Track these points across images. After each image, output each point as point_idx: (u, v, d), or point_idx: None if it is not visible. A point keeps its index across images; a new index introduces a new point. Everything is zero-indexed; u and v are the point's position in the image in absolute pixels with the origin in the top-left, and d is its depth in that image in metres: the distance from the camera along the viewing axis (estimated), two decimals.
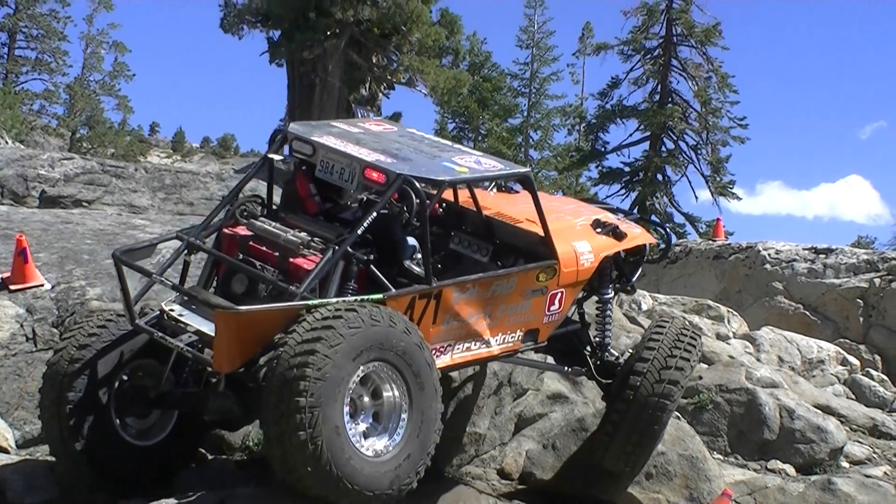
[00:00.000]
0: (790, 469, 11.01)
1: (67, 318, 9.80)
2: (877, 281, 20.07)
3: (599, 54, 54.13)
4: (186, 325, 7.05)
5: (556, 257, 8.33)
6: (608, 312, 9.23)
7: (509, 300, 8.17)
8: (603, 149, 51.82)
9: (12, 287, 10.11)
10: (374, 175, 7.30)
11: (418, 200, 7.32)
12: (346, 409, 6.55)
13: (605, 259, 8.90)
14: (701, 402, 11.17)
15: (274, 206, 8.11)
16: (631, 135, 51.83)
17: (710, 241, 23.98)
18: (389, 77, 45.02)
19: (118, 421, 7.49)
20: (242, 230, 7.66)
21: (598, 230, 9.03)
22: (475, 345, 8.07)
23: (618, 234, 9.03)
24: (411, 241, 7.61)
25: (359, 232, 7.13)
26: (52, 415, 7.36)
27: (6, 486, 7.71)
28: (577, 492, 9.05)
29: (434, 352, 7.54)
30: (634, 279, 9.44)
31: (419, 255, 7.62)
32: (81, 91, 61.55)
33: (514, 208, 8.82)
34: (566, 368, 9.38)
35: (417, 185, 7.29)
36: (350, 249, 7.14)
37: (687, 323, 9.13)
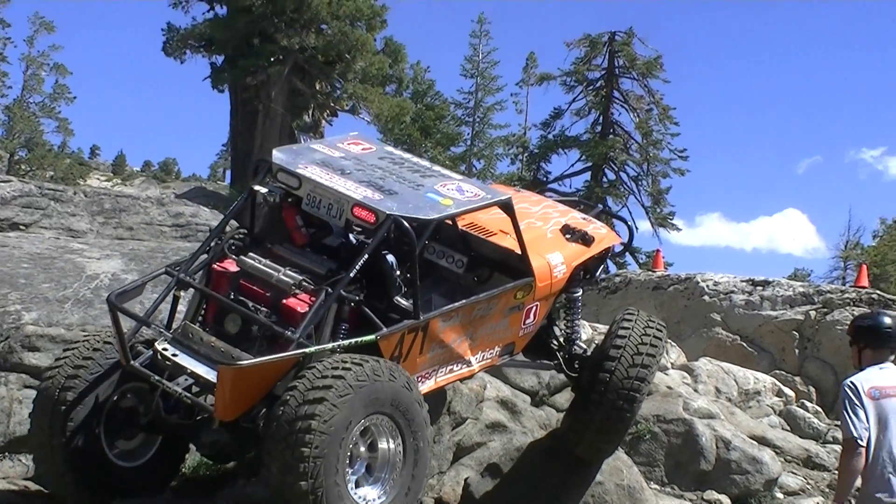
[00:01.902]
0: (726, 500, 11.07)
1: (2, 342, 9.68)
2: (812, 313, 20.31)
3: (543, 85, 54.89)
4: (182, 367, 7.02)
5: (532, 274, 8.44)
6: (577, 308, 9.40)
7: (490, 320, 8.32)
8: (545, 178, 52.05)
9: None
10: (363, 213, 7.31)
11: (408, 242, 7.37)
12: (347, 460, 6.65)
13: (576, 267, 9.07)
14: (639, 432, 11.22)
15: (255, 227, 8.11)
16: (573, 165, 52.30)
17: (650, 272, 24.14)
18: (333, 104, 45.12)
19: (107, 443, 7.49)
20: (232, 265, 7.63)
21: (568, 237, 9.24)
22: (457, 366, 8.26)
23: (587, 241, 9.25)
24: (390, 257, 7.62)
25: (351, 275, 7.16)
26: (42, 437, 7.35)
27: None
28: None
29: (419, 378, 7.74)
30: (598, 274, 9.65)
31: (398, 272, 7.65)
32: (21, 113, 60.69)
33: (487, 218, 8.89)
34: (535, 361, 9.51)
35: (406, 224, 7.30)
36: (342, 292, 7.18)
37: (652, 316, 9.24)
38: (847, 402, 7.12)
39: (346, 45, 42.25)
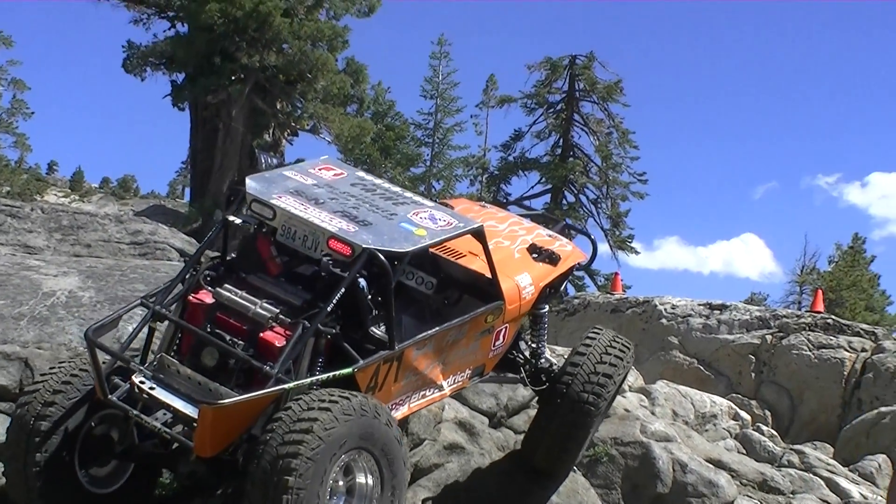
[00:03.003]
0: None
1: None
2: (768, 338, 20.51)
3: (503, 107, 54.99)
4: (159, 400, 6.99)
5: (502, 298, 8.51)
6: (543, 323, 9.52)
7: (461, 345, 8.39)
8: (505, 200, 52.15)
9: None
10: (339, 246, 7.32)
11: (384, 275, 7.38)
12: (327, 496, 6.66)
13: (544, 287, 9.16)
14: (596, 454, 11.23)
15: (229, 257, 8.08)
16: (533, 187, 52.57)
17: (609, 295, 24.30)
18: (294, 124, 45.12)
19: (81, 470, 7.46)
20: (207, 297, 7.59)
21: (535, 256, 9.35)
22: (430, 391, 8.32)
23: (553, 260, 9.36)
24: (362, 281, 7.60)
25: (328, 308, 7.15)
26: (17, 461, 7.31)
27: None
28: None
29: (393, 406, 7.82)
30: (563, 289, 9.78)
31: (371, 302, 7.66)
32: None
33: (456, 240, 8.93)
34: (500, 375, 9.53)
35: (382, 257, 7.31)
36: (319, 326, 7.18)
37: (617, 335, 9.34)
38: None
39: (307, 64, 42.21)
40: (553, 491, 9.30)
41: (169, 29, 44.79)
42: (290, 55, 42.12)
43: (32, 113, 64.63)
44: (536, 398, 10.11)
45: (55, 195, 60.93)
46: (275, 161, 44.21)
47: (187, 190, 60.26)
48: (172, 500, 8.53)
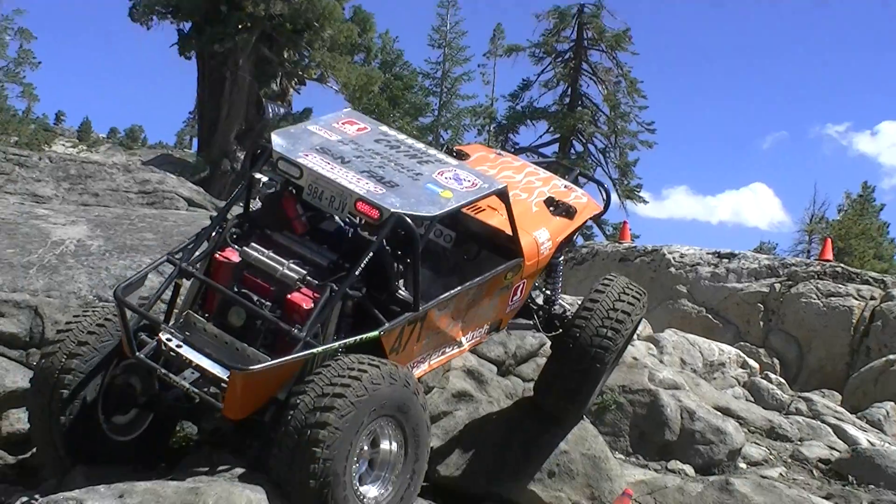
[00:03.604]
0: (689, 469, 11.13)
1: None
2: (777, 286, 20.47)
3: (511, 56, 54.69)
4: (187, 359, 6.99)
5: (522, 255, 8.51)
6: (557, 272, 9.54)
7: (480, 302, 8.38)
8: (513, 150, 52.04)
9: None
10: (367, 209, 7.26)
11: (411, 239, 7.36)
12: (354, 461, 6.73)
13: (561, 242, 9.17)
14: (604, 402, 11.25)
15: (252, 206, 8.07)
16: (541, 136, 52.36)
17: (617, 244, 24.28)
18: (301, 73, 44.82)
19: (103, 419, 7.52)
20: (233, 255, 7.58)
21: (552, 209, 9.31)
22: (450, 348, 8.35)
23: (570, 214, 9.32)
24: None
25: (356, 273, 7.16)
26: (42, 408, 7.38)
27: None
28: (480, 489, 9.08)
29: (414, 364, 7.85)
30: (575, 238, 9.81)
31: (397, 264, 7.66)
32: None
33: None
34: (514, 321, 9.51)
35: (410, 221, 7.28)
36: (347, 290, 7.20)
37: (631, 282, 9.33)
38: None
39: (313, 13, 41.88)
40: (561, 438, 9.30)
41: None
42: (296, 4, 41.78)
43: (39, 63, 64.29)
44: (545, 346, 10.12)
45: (63, 145, 60.76)
46: (282, 111, 44.03)
47: (195, 140, 60.11)
48: (184, 451, 8.58)
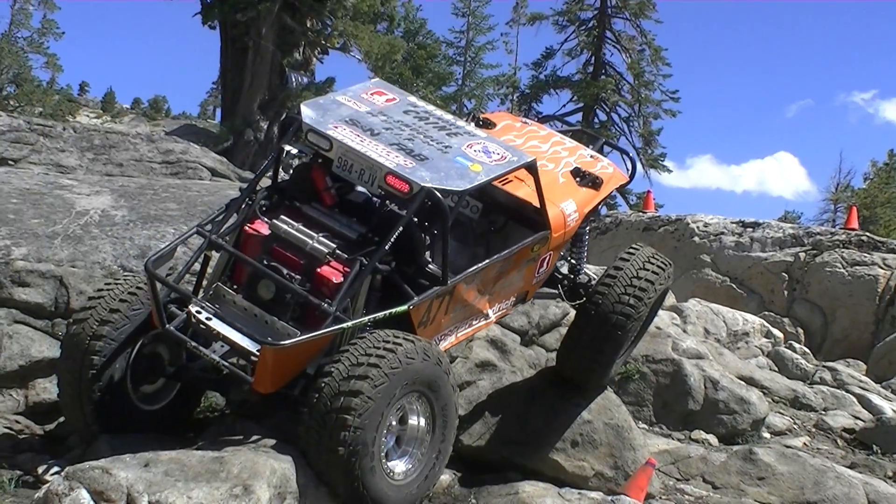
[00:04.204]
0: (713, 439, 11.13)
1: None
2: (802, 255, 20.38)
3: (534, 24, 54.56)
4: (216, 332, 7.05)
5: (549, 228, 8.51)
6: (583, 242, 9.60)
7: (507, 274, 8.39)
8: (537, 118, 51.79)
9: None
10: (397, 183, 7.26)
11: (440, 213, 7.37)
12: (383, 436, 6.76)
13: (587, 213, 9.19)
14: (628, 372, 11.25)
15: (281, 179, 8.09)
16: (564, 105, 52.25)
17: (640, 213, 24.20)
18: (323, 42, 44.68)
19: (132, 388, 7.59)
20: (262, 227, 7.60)
21: (578, 180, 9.30)
22: (477, 320, 8.37)
23: (596, 184, 9.33)
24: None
25: (386, 247, 7.17)
26: (71, 374, 7.43)
27: None
28: (503, 459, 9.09)
29: (441, 336, 7.88)
30: (601, 211, 9.81)
31: (425, 236, 7.70)
32: (8, 48, 60.08)
33: None
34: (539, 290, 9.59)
35: (439, 196, 7.27)
36: (377, 264, 7.22)
37: (657, 253, 9.31)
38: None
39: None
40: (584, 408, 9.29)
41: None
42: None
43: (62, 33, 64.59)
44: (569, 315, 10.12)
45: (87, 116, 61.08)
46: (305, 80, 43.99)
47: (218, 110, 60.20)
48: (209, 421, 8.62)
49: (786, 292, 20.25)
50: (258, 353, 6.78)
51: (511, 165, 7.95)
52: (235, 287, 7.46)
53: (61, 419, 8.48)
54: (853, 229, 21.58)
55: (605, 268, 9.45)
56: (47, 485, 6.44)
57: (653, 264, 9.08)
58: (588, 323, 8.95)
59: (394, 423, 6.95)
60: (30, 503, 6.45)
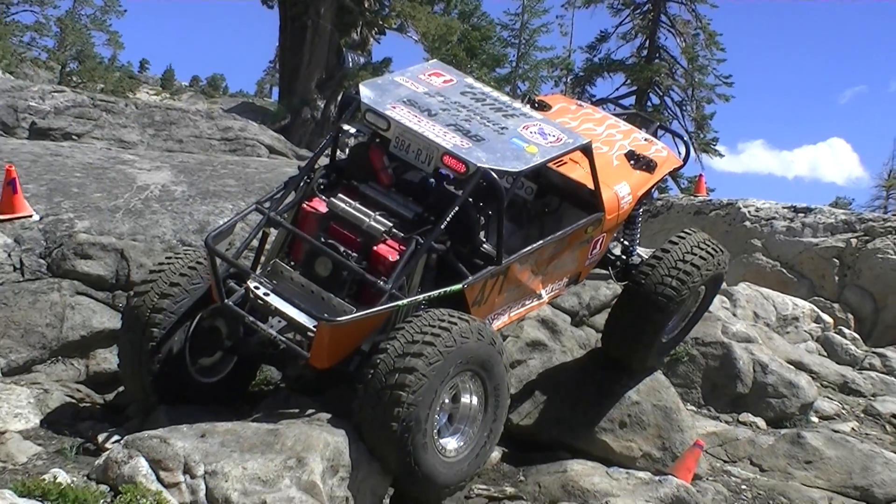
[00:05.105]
0: (761, 422, 11.08)
1: (55, 249, 9.79)
2: (853, 241, 20.14)
3: (589, 7, 54.18)
4: (274, 308, 7.14)
5: (603, 209, 8.53)
6: (636, 223, 9.62)
7: (560, 256, 8.43)
8: (591, 101, 51.51)
9: (1, 217, 10.05)
10: (454, 163, 7.31)
11: (496, 194, 7.40)
12: (436, 413, 6.83)
13: (641, 196, 9.22)
14: (677, 354, 11.21)
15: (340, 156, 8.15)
16: (617, 89, 51.79)
17: (692, 197, 24.01)
18: (381, 22, 44.74)
19: (190, 360, 7.71)
20: (320, 205, 7.67)
21: (633, 163, 9.32)
22: (529, 300, 8.42)
23: (650, 168, 9.35)
24: None
25: (442, 227, 7.21)
26: (132, 345, 7.55)
27: None
28: (552, 438, 9.11)
29: (494, 316, 7.92)
30: (654, 194, 9.79)
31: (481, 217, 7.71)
32: (72, 25, 60.45)
33: None
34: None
35: (495, 176, 7.30)
36: (432, 243, 7.26)
37: (710, 238, 9.25)
38: None
39: None
40: (633, 389, 9.28)
41: None
42: None
43: (124, 11, 64.79)
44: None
45: (147, 93, 61.32)
46: (362, 60, 44.12)
47: (275, 89, 60.36)
48: (264, 394, 8.69)
49: (836, 278, 20.03)
50: (315, 329, 6.85)
51: (566, 147, 7.95)
52: (293, 264, 7.53)
53: (121, 389, 8.56)
54: None
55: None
56: (107, 452, 6.55)
57: (702, 249, 9.02)
58: (630, 302, 8.96)
59: (447, 401, 6.99)
60: (90, 470, 6.55)
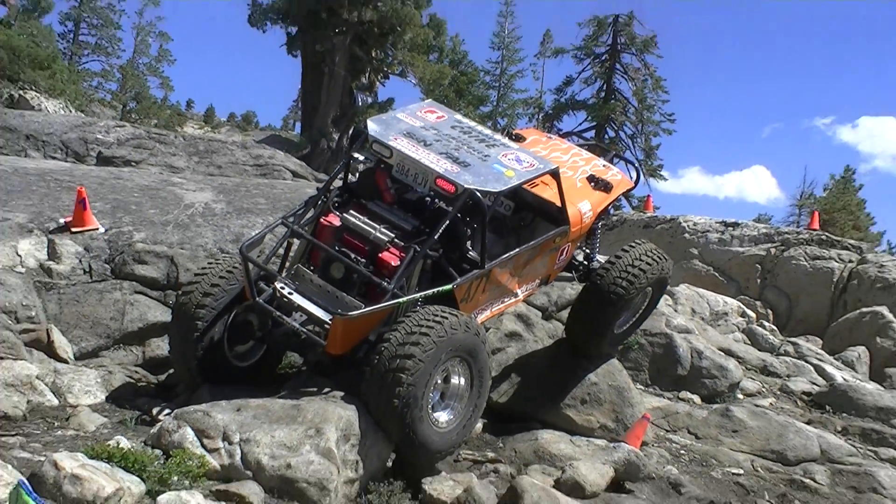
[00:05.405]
0: (697, 399, 11.10)
1: (117, 255, 9.79)
2: (772, 250, 20.23)
3: (557, 57, 54.25)
4: (297, 304, 7.22)
5: (569, 223, 8.56)
6: (596, 235, 9.54)
7: (534, 261, 8.44)
8: (559, 134, 51.33)
9: (73, 230, 10.05)
10: (445, 185, 7.39)
11: (480, 210, 7.44)
12: (431, 390, 6.88)
13: (600, 212, 9.22)
14: (629, 343, 11.22)
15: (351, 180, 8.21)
16: (580, 124, 51.72)
17: (642, 214, 24.06)
18: (385, 68, 44.76)
19: (228, 347, 7.73)
20: (335, 220, 7.71)
21: (593, 185, 9.33)
22: (508, 298, 8.40)
23: (608, 188, 9.36)
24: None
25: (435, 237, 7.27)
26: (180, 335, 7.60)
27: (67, 388, 7.75)
28: (526, 413, 9.10)
29: (478, 311, 7.94)
30: (610, 210, 9.81)
31: (468, 229, 7.76)
32: (131, 72, 60.67)
33: None
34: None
35: (480, 195, 7.35)
36: (428, 251, 7.32)
37: (657, 249, 9.27)
38: None
39: (397, 19, 41.89)
40: (592, 372, 9.29)
41: None
42: (383, 11, 41.80)
43: (174, 60, 65.01)
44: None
45: (192, 127, 61.17)
46: (369, 99, 44.13)
47: (298, 123, 60.24)
48: (288, 376, 8.67)
49: (758, 280, 20.09)
50: (330, 322, 6.92)
51: (538, 171, 7.98)
52: (312, 268, 7.59)
53: (171, 371, 8.55)
54: (815, 230, 21.36)
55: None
56: (160, 423, 6.57)
57: (648, 257, 9.04)
58: (588, 300, 8.98)
59: (439, 381, 7.03)
60: (147, 437, 6.56)
